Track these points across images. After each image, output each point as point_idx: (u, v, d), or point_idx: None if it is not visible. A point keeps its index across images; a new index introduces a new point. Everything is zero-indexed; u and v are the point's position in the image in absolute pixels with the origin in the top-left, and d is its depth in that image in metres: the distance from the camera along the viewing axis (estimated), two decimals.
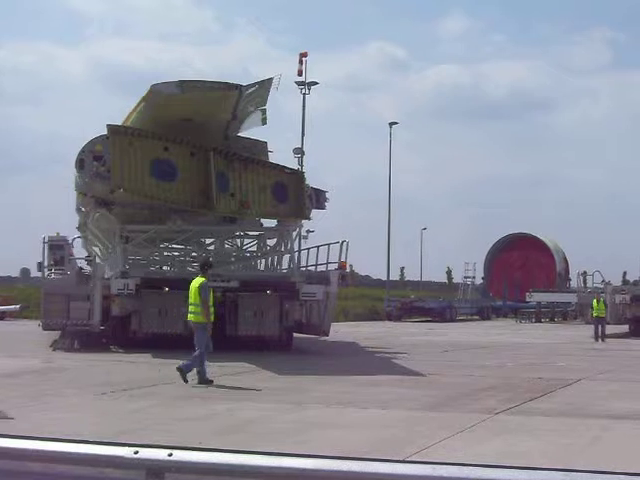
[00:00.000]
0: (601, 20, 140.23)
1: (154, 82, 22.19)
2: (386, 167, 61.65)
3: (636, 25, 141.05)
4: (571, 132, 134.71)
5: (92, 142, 23.62)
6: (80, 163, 23.27)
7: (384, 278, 64.17)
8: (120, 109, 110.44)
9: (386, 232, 60.82)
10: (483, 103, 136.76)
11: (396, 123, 62.45)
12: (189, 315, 16.05)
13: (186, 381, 15.25)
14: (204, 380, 15.38)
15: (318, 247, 26.77)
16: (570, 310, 55.65)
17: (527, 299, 55.93)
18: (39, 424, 10.48)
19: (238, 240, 30.42)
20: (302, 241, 28.30)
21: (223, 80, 22.75)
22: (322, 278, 24.29)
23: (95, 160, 23.33)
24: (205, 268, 16.66)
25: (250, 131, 27.36)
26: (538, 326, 48.26)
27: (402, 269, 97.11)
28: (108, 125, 23.31)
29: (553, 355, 24.14)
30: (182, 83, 21.85)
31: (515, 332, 39.66)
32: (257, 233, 28.77)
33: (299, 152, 46.56)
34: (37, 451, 4.97)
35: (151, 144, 23.67)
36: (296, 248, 27.64)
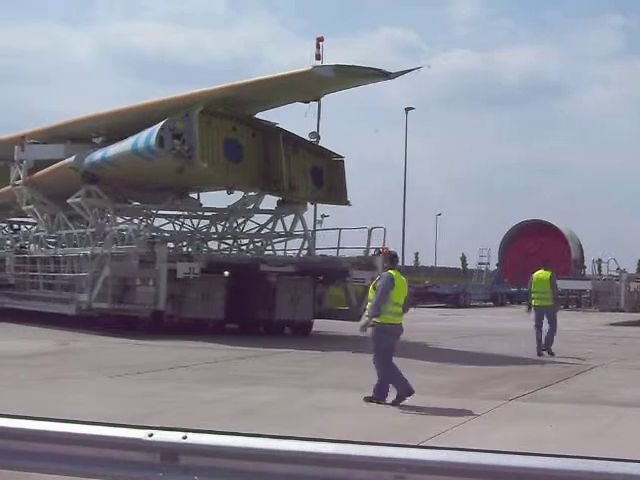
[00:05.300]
0: (613, 7, 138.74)
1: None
2: (400, 152, 61.46)
3: None
4: (584, 118, 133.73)
5: (172, 120, 22.54)
6: (160, 140, 22.38)
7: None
8: (129, 91, 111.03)
9: (400, 218, 60.71)
10: (495, 89, 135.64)
11: (412, 109, 61.62)
12: None
13: None
14: None
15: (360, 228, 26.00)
16: (584, 297, 55.46)
17: None
18: (52, 406, 10.51)
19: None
20: (317, 225, 28.11)
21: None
22: (368, 264, 23.57)
23: (175, 138, 22.42)
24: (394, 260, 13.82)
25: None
26: None
27: (416, 255, 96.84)
28: (200, 103, 22.70)
29: (567, 342, 24.02)
30: (338, 67, 20.82)
31: (528, 319, 39.41)
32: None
33: (315, 136, 46.31)
34: (41, 432, 4.98)
35: (223, 123, 23.71)
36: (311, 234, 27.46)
